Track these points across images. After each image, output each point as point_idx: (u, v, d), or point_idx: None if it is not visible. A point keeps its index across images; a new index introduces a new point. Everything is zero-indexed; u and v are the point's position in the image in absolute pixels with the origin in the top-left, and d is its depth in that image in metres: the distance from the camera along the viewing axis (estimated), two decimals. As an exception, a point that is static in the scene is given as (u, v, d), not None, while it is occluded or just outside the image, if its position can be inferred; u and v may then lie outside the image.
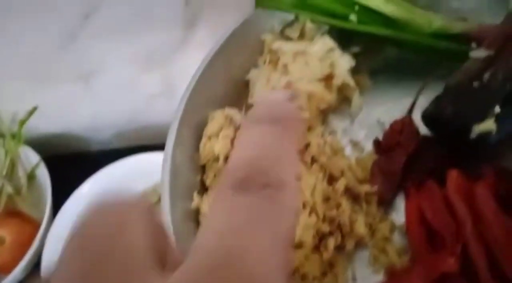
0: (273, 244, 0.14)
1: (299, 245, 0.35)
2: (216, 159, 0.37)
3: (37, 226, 0.55)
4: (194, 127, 0.38)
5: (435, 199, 0.35)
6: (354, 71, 0.44)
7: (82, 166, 0.60)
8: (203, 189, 0.37)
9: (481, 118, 0.34)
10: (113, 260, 0.13)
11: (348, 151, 0.41)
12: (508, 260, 0.30)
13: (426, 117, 0.37)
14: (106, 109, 0.62)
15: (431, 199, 0.35)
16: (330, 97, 0.41)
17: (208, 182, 0.37)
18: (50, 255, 0.52)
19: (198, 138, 0.38)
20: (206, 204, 0.35)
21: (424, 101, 0.40)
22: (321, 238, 0.36)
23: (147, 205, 0.16)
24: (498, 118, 0.34)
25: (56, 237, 0.54)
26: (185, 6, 0.48)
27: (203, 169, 0.38)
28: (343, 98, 0.44)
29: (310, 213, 0.34)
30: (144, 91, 0.60)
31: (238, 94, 0.42)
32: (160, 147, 0.54)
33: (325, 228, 0.35)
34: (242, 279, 0.12)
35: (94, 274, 0.13)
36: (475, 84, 0.35)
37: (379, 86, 0.44)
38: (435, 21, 0.42)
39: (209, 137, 0.37)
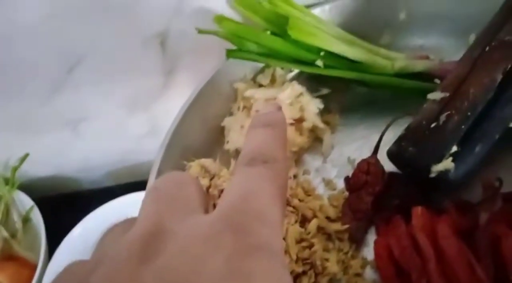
0: (274, 194, 0.19)
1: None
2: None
3: (33, 268, 0.57)
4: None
5: (401, 236, 0.37)
6: (325, 111, 0.47)
7: (75, 206, 0.62)
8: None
9: (439, 159, 0.36)
10: None
11: (321, 189, 0.43)
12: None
13: (390, 156, 0.39)
14: (96, 152, 0.64)
15: (398, 236, 0.37)
16: (301, 139, 0.43)
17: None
18: (48, 298, 0.54)
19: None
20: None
21: (393, 137, 0.42)
22: (295, 277, 0.37)
23: None
24: (456, 158, 0.36)
25: (52, 278, 0.56)
26: (162, 55, 0.51)
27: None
28: (315, 138, 0.46)
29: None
30: (131, 133, 0.63)
31: (214, 142, 0.44)
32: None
33: (299, 268, 0.37)
34: (255, 214, 0.18)
35: None
36: (433, 125, 0.37)
37: (349, 124, 0.47)
38: (397, 62, 0.45)
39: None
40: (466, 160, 0.36)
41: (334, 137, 0.46)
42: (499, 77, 0.36)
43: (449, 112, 0.37)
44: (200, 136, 0.43)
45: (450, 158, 0.36)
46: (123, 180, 0.69)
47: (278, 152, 0.21)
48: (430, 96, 0.39)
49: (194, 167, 0.39)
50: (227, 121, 0.44)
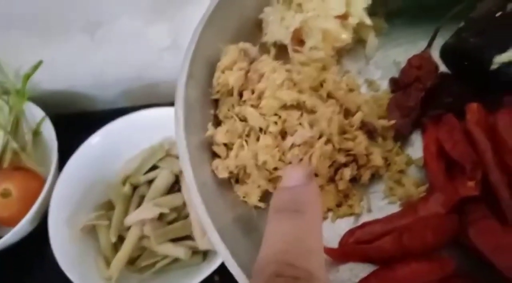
0: None
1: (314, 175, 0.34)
2: (230, 92, 0.36)
3: (43, 181, 0.55)
4: (207, 62, 0.37)
5: (454, 131, 0.34)
6: (371, 14, 0.43)
7: (87, 125, 0.59)
8: (217, 122, 0.36)
9: (503, 49, 0.34)
10: None
11: (363, 89, 0.41)
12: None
13: (446, 51, 0.37)
14: (112, 64, 0.61)
15: (450, 131, 0.35)
16: (345, 36, 0.40)
17: (221, 116, 0.36)
18: (57, 208, 0.52)
19: (211, 73, 0.37)
20: (219, 135, 0.34)
21: (440, 42, 0.39)
22: (337, 169, 0.35)
23: None
24: (519, 49, 0.34)
25: (63, 190, 0.54)
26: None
27: (216, 103, 0.37)
28: (358, 40, 0.43)
29: (326, 143, 0.34)
30: (151, 45, 0.59)
31: (251, 34, 0.41)
32: (166, 105, 0.54)
33: (341, 158, 0.34)
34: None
35: None
36: (498, 15, 0.34)
37: (395, 29, 0.43)
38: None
39: (223, 71, 0.36)
40: (531, 52, 0.34)
41: (379, 41, 0.43)
42: None
43: (517, -1, 0.34)
44: (237, 26, 0.40)
45: (515, 49, 0.33)
46: (138, 101, 0.66)
47: (313, 261, 0.18)
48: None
49: (233, 50, 0.36)
50: (265, 13, 0.41)
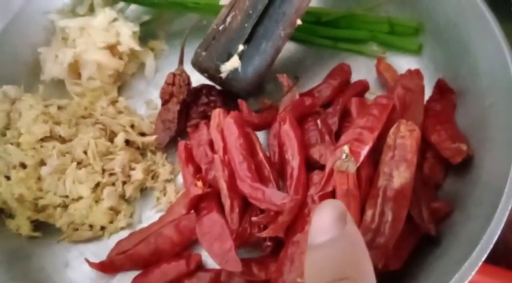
0: None
1: (78, 199, 0.37)
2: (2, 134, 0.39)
3: None
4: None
5: (201, 137, 0.38)
6: (151, 37, 0.47)
7: None
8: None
9: (227, 58, 0.38)
10: None
11: (143, 110, 0.44)
12: (241, 172, 0.33)
13: (193, 65, 0.40)
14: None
15: (199, 138, 0.38)
16: (117, 63, 0.43)
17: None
18: None
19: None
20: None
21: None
22: (102, 186, 0.38)
23: None
24: (243, 56, 0.38)
25: None
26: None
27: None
28: (142, 64, 0.46)
29: (80, 167, 0.37)
30: None
31: (32, 74, 0.44)
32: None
33: (103, 179, 0.37)
34: None
35: None
36: (221, 27, 0.38)
37: (176, 50, 0.47)
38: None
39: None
40: (253, 57, 0.38)
41: (160, 62, 0.47)
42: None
43: (234, 13, 0.38)
44: (12, 69, 0.43)
45: (237, 56, 0.37)
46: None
47: None
48: (222, 1, 0.40)
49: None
50: (42, 53, 0.44)
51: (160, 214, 0.38)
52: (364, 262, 0.17)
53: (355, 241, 0.17)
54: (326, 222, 0.17)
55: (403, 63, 0.41)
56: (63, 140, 0.38)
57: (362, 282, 0.16)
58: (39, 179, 0.37)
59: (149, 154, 0.40)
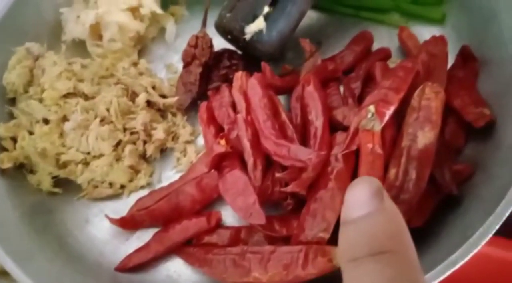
0: None
1: (99, 156, 0.37)
2: (25, 90, 0.39)
3: None
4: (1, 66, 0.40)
5: (223, 98, 0.38)
6: (174, 2, 0.47)
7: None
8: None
9: (251, 19, 0.38)
10: None
11: (163, 73, 0.44)
12: (266, 130, 0.33)
13: (217, 28, 0.40)
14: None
15: (220, 99, 0.38)
16: (138, 26, 0.43)
17: (15, 112, 0.39)
18: None
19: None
20: (2, 129, 0.37)
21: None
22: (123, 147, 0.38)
23: None
24: (268, 18, 0.38)
25: None
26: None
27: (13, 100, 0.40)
28: (162, 28, 0.46)
29: (103, 124, 0.37)
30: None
31: (52, 34, 0.44)
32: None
33: (125, 137, 0.38)
34: None
35: None
36: (247, -10, 0.38)
37: (196, 16, 0.47)
38: None
39: (9, 71, 0.39)
40: (278, 19, 0.38)
41: (180, 27, 0.46)
42: None
43: (261, -25, 0.38)
44: (35, 27, 0.43)
45: (262, 18, 0.37)
46: None
47: None
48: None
49: (18, 50, 0.39)
50: (64, 13, 0.44)
51: (179, 175, 0.38)
52: (404, 236, 0.17)
53: (393, 215, 0.17)
54: (362, 197, 0.17)
55: (425, 33, 0.41)
56: (86, 97, 0.38)
57: (403, 255, 0.16)
58: (61, 135, 0.37)
59: (169, 116, 0.40)
